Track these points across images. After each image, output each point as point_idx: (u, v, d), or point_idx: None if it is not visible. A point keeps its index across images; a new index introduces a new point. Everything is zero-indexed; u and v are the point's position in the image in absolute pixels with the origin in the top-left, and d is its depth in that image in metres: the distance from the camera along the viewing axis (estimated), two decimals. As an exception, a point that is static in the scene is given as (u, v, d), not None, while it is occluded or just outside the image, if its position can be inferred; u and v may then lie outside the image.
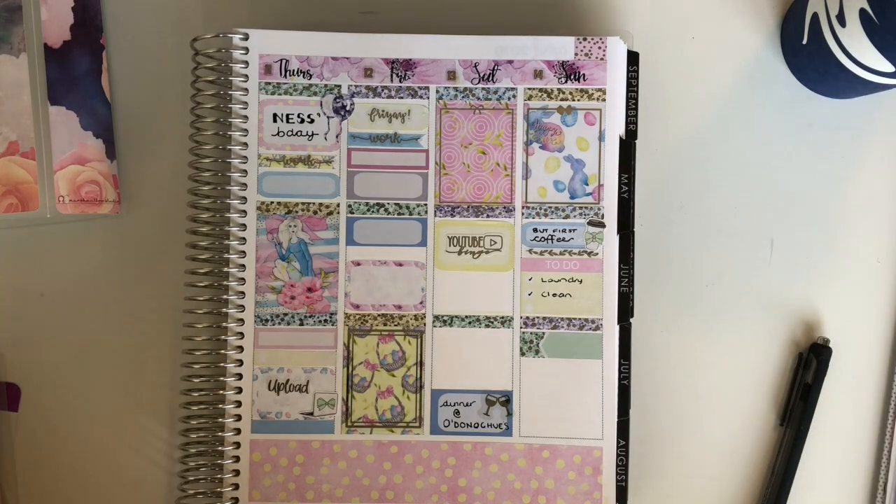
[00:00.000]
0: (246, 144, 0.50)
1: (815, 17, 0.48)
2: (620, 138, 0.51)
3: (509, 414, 0.50)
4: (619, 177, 0.51)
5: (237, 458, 0.49)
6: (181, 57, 0.52)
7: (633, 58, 0.51)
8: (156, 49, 0.54)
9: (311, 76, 0.51)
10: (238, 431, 0.49)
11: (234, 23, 0.53)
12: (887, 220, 0.54)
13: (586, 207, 0.51)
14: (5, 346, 0.53)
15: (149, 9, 0.54)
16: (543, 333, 0.50)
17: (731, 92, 0.54)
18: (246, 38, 0.50)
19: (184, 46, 0.51)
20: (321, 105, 0.51)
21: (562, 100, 0.51)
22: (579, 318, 0.50)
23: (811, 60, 0.51)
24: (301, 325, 0.50)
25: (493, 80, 0.51)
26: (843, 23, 0.46)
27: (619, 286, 0.50)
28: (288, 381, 0.50)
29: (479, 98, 0.51)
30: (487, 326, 0.50)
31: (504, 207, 0.51)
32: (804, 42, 0.50)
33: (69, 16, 0.50)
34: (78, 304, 0.53)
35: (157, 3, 0.54)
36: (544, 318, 0.50)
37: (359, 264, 0.51)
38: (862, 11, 0.44)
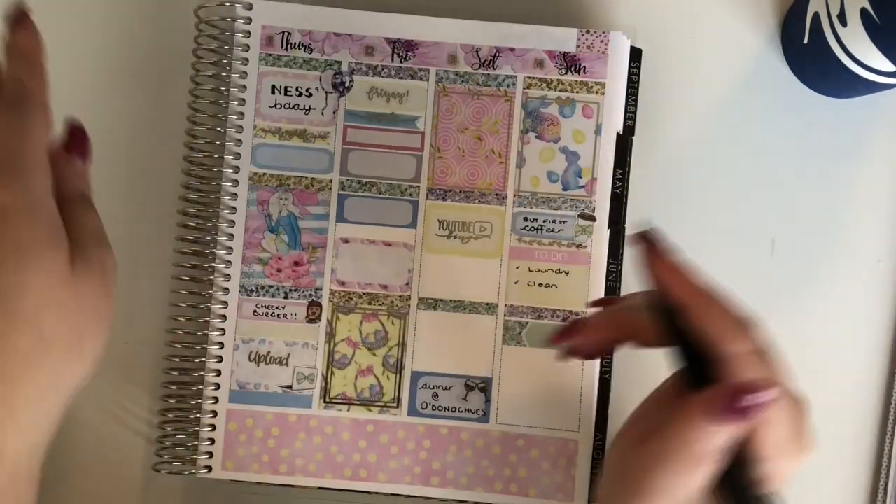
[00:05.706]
0: (242, 114, 0.51)
1: (816, 16, 0.48)
2: (617, 133, 0.51)
3: (487, 400, 0.50)
4: (614, 172, 0.50)
5: (213, 427, 0.49)
6: (181, 55, 0.53)
7: (635, 54, 0.51)
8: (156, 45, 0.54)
9: (311, 50, 0.51)
10: (216, 400, 0.49)
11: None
12: (888, 220, 0.53)
13: (578, 200, 0.50)
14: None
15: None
16: (527, 323, 0.50)
17: (732, 91, 0.53)
18: (250, 7, 0.51)
19: (183, 45, 0.51)
20: (320, 80, 0.51)
21: (561, 90, 0.51)
22: (564, 310, 0.50)
23: (812, 60, 0.50)
24: (285, 298, 0.50)
25: (493, 66, 0.51)
26: (844, 22, 0.45)
27: (607, 280, 0.50)
28: (269, 353, 0.50)
29: (478, 83, 0.51)
30: (472, 312, 0.50)
31: (496, 194, 0.51)
32: (805, 42, 0.50)
33: None
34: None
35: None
36: (529, 308, 0.50)
37: (347, 241, 0.51)
38: (863, 11, 0.44)
